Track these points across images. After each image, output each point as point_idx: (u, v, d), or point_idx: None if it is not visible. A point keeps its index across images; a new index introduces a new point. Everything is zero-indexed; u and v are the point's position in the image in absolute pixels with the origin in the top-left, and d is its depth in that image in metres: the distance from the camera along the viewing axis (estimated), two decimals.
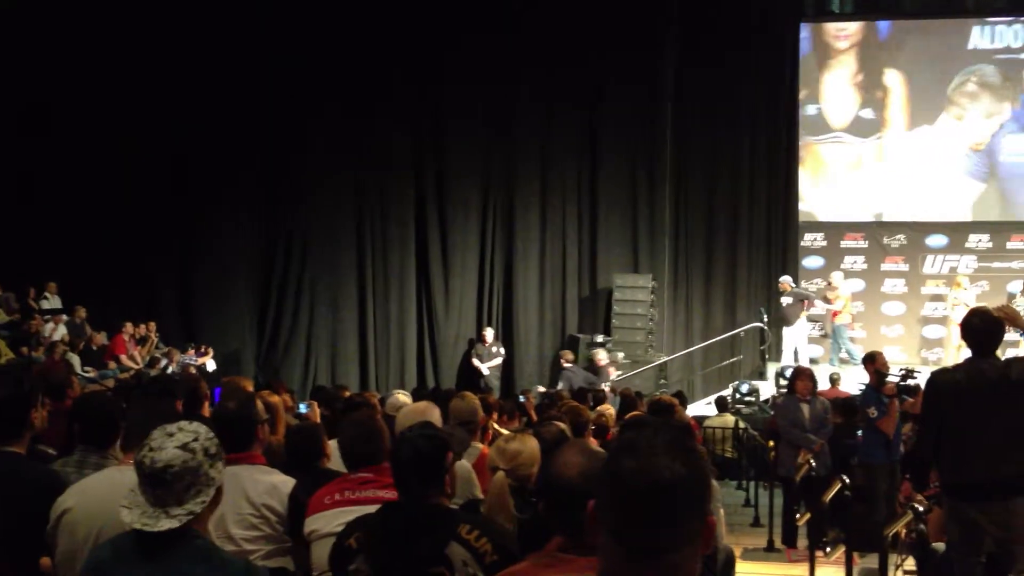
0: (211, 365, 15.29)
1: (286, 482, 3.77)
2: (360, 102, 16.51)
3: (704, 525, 1.56)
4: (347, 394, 9.19)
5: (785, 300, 15.21)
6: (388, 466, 3.71)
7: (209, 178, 16.36)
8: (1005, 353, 4.87)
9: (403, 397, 6.32)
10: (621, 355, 15.55)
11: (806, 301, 15.34)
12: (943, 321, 15.56)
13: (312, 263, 16.90)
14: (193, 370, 13.68)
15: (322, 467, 4.21)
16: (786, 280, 15.51)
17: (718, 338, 16.24)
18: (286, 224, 16.99)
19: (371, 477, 3.60)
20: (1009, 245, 16.10)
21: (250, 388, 5.89)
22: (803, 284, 16.42)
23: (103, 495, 3.07)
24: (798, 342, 15.19)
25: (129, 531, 2.41)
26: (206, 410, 5.41)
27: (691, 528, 1.55)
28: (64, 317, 14.75)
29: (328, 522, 3.50)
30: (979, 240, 16.23)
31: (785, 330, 15.35)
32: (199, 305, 16.64)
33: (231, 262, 16.66)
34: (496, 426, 6.38)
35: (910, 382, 7.93)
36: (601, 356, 14.94)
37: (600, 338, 16.12)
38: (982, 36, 16.22)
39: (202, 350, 15.60)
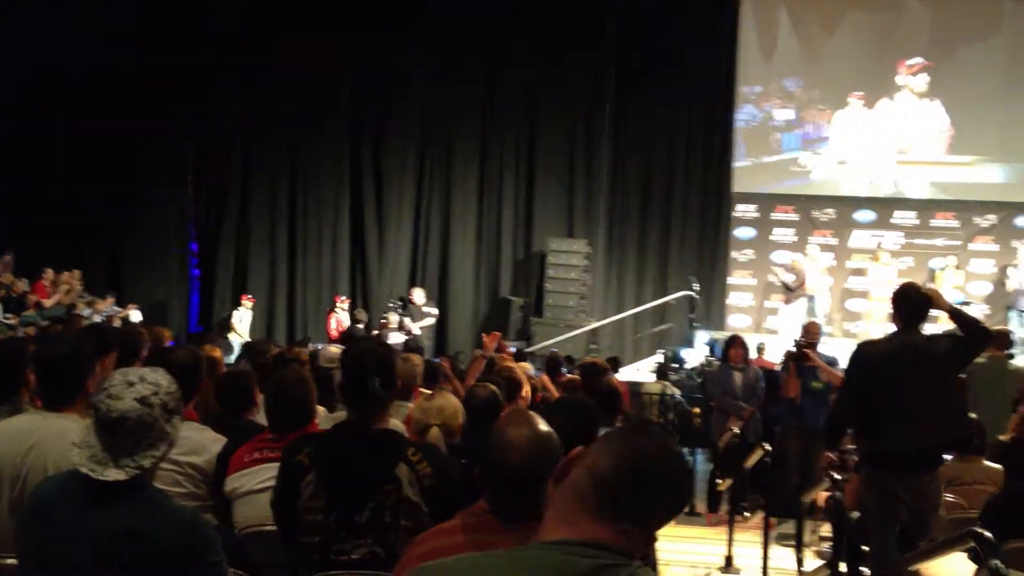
0: (136, 316, 14.98)
1: (216, 440, 3.71)
2: (297, 54, 16.21)
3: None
4: (276, 350, 9.07)
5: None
6: (315, 424, 3.70)
7: (141, 128, 15.94)
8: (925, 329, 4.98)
9: (336, 350, 6.27)
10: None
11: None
12: (866, 295, 15.88)
13: (244, 216, 16.65)
14: (118, 321, 13.40)
15: (250, 420, 4.16)
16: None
17: (649, 305, 16.41)
18: (219, 176, 16.69)
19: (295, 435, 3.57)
20: (933, 222, 16.48)
21: (168, 339, 5.78)
22: (734, 255, 16.76)
23: (25, 439, 3.07)
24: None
25: (78, 472, 2.37)
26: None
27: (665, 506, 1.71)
28: None
29: (250, 479, 3.48)
30: (905, 216, 16.58)
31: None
32: (127, 255, 16.31)
33: (161, 213, 16.34)
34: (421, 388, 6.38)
35: (800, 345, 8.34)
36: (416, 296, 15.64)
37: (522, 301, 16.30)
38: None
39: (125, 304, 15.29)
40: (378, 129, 16.90)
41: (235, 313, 15.55)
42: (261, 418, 4.09)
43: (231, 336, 14.87)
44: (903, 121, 16.42)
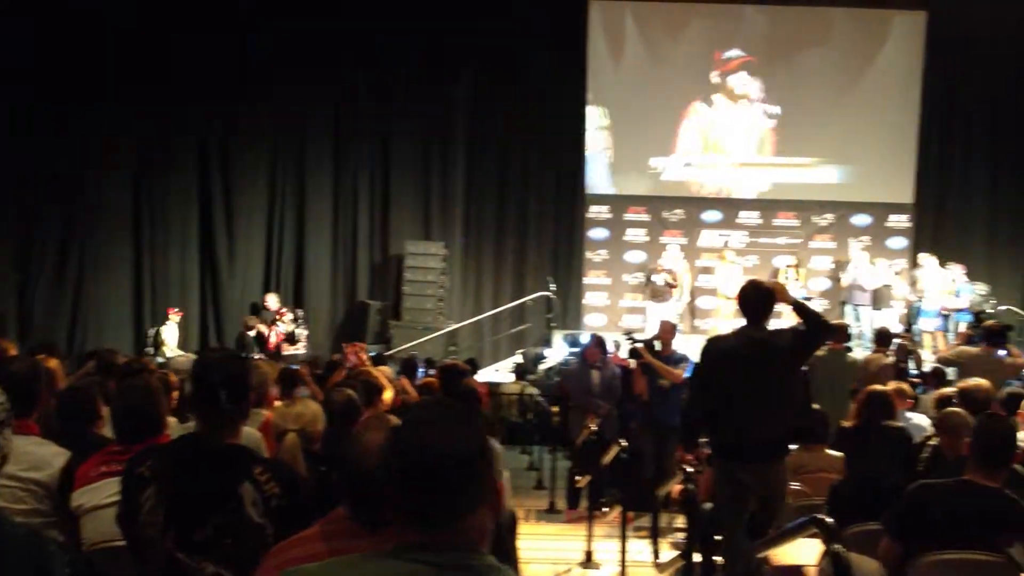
0: None
1: (59, 454, 3.56)
2: (141, 50, 15.64)
3: (491, 490, 1.64)
4: (123, 360, 8.74)
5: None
6: (166, 436, 3.59)
7: None
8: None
9: (185, 360, 6.10)
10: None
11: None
12: (714, 292, 16.41)
13: (82, 220, 15.92)
14: None
15: (96, 433, 4.01)
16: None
17: (507, 306, 16.55)
18: (54, 178, 15.89)
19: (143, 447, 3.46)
20: (776, 222, 17.19)
21: (13, 351, 5.51)
22: (589, 255, 17.07)
23: None
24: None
25: None
26: None
27: (473, 495, 1.61)
28: None
29: (97, 494, 3.37)
30: (749, 216, 17.24)
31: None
32: None
33: None
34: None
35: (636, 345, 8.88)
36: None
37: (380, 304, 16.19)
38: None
39: None
40: (226, 130, 16.45)
41: (164, 328, 15.04)
42: (109, 431, 3.95)
43: (165, 351, 14.47)
44: (742, 124, 17.06)
